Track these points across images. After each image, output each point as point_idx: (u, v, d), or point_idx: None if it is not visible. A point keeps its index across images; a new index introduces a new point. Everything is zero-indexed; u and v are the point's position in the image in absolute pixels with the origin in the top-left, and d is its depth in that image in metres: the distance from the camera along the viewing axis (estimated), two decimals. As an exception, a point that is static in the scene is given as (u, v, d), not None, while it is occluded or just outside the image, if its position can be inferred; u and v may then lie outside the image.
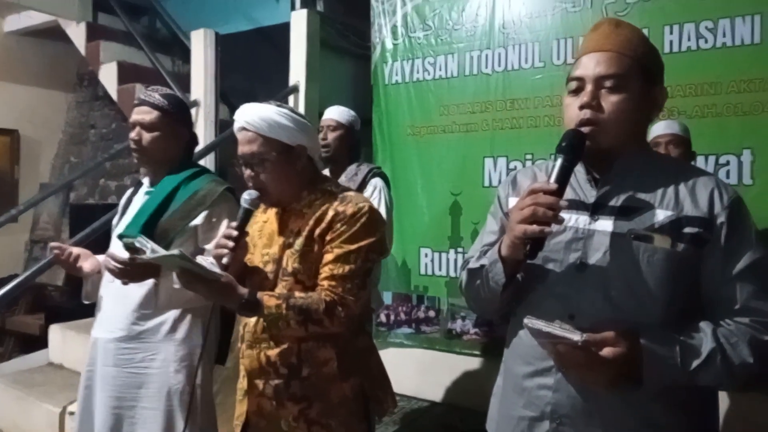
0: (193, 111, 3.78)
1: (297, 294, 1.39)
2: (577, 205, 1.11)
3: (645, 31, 2.88)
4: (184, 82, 3.95)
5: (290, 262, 1.43)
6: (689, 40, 2.82)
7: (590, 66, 1.07)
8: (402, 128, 3.68)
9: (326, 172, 2.63)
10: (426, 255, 3.58)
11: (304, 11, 3.56)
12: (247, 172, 1.44)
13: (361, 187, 2.50)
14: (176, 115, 1.81)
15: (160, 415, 1.69)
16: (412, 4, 3.62)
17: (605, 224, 1.08)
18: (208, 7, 5.13)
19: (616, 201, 1.09)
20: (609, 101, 1.06)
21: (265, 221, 1.55)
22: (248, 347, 1.50)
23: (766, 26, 2.67)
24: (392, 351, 3.73)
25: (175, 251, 1.30)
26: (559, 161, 1.04)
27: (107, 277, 1.73)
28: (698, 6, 2.80)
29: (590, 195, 1.11)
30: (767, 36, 2.67)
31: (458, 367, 3.49)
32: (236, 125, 1.45)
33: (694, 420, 1.09)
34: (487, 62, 3.39)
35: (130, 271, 1.59)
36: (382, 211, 2.50)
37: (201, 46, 3.71)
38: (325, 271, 1.40)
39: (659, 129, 2.36)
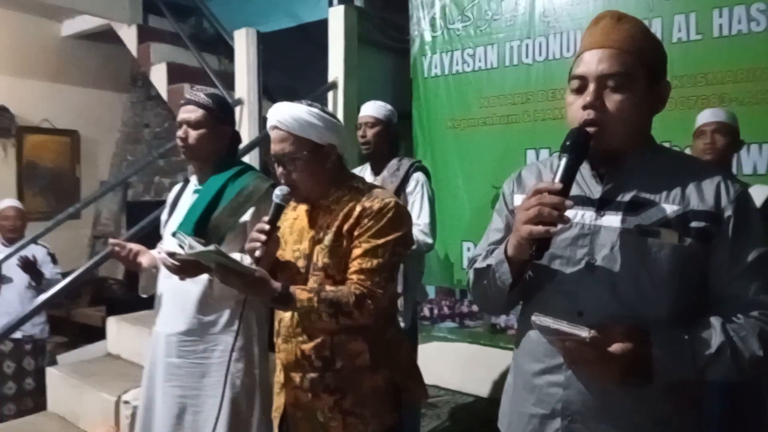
0: (237, 109, 3.89)
1: (328, 287, 1.43)
2: (582, 201, 1.10)
3: (693, 16, 2.79)
4: (230, 80, 4.05)
5: (320, 257, 1.48)
6: (740, 23, 2.69)
7: (592, 64, 1.06)
8: (442, 121, 3.67)
9: (368, 167, 2.66)
10: (468, 249, 3.57)
11: (341, 7, 3.58)
12: (279, 169, 1.49)
13: (404, 182, 2.51)
14: (220, 113, 1.88)
15: (225, 402, 1.75)
16: (450, -5, 3.59)
17: (612, 220, 1.07)
18: (251, 5, 5.22)
19: (623, 197, 1.08)
20: (613, 100, 1.04)
21: (295, 218, 1.60)
22: (284, 341, 1.55)
23: (826, 5, 2.52)
24: (435, 345, 3.75)
25: (210, 247, 1.35)
26: (563, 160, 1.03)
27: (164, 272, 1.81)
28: (750, -14, 2.66)
29: (596, 191, 1.10)
30: (827, 15, 2.52)
31: (502, 362, 3.47)
32: (269, 124, 1.50)
33: (704, 417, 1.08)
34: (527, 52, 3.33)
35: (185, 267, 1.65)
36: (426, 205, 2.51)
37: (244, 45, 3.80)
38: (354, 266, 1.44)
39: (704, 117, 2.27)
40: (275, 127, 1.48)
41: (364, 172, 2.67)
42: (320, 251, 1.48)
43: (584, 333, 0.95)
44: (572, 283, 1.08)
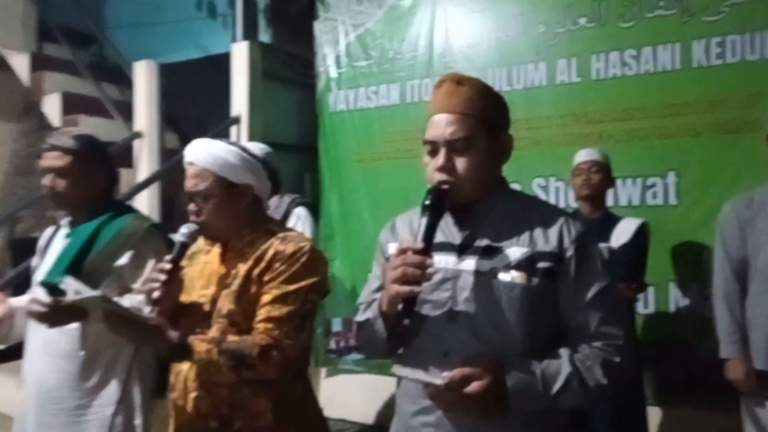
0: (136, 142, 3.76)
1: (230, 337, 1.35)
2: (446, 247, 1.18)
3: (574, 60, 3.03)
4: (131, 111, 3.93)
5: (225, 303, 1.40)
6: (614, 67, 2.95)
7: (440, 128, 1.15)
8: (348, 155, 3.72)
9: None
10: (374, 280, 3.59)
11: (245, 44, 3.59)
12: (191, 206, 1.44)
13: (285, 218, 2.52)
14: (90, 155, 1.78)
15: None
16: (354, 33, 3.69)
17: (470, 264, 1.15)
18: (156, 35, 5.11)
19: (480, 242, 1.17)
20: (460, 162, 1.15)
21: (206, 262, 1.52)
22: (179, 396, 1.45)
23: (686, 53, 2.81)
24: (343, 378, 3.72)
25: (97, 292, 1.28)
26: (424, 220, 1.10)
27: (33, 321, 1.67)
28: (622, 35, 2.93)
29: (457, 237, 1.18)
30: (687, 62, 2.81)
31: (409, 392, 3.49)
32: (185, 159, 1.46)
33: None
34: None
35: (53, 316, 1.51)
36: None
37: (144, 77, 3.70)
38: (261, 313, 1.36)
39: (581, 156, 2.46)
40: (191, 163, 1.44)
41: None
42: (226, 297, 1.41)
43: (438, 380, 1.01)
44: (438, 325, 1.15)
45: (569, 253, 1.13)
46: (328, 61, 3.77)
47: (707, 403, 2.65)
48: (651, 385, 2.78)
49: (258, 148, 2.61)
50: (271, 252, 1.40)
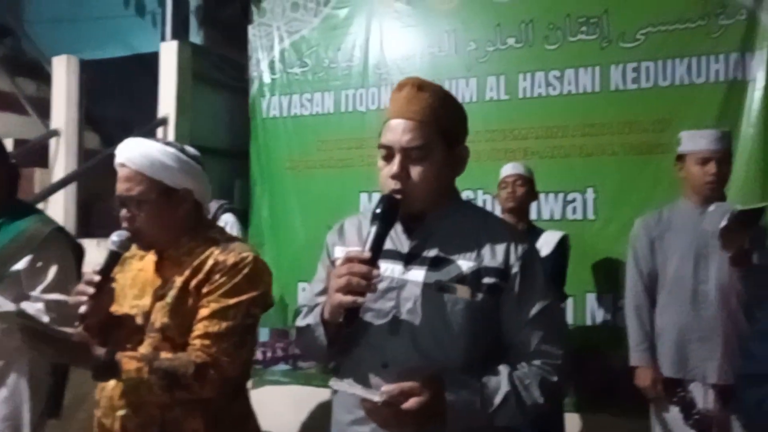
0: (53, 140, 3.55)
1: (163, 355, 1.25)
2: (393, 255, 1.15)
3: (502, 78, 3.14)
4: (49, 108, 3.71)
5: (159, 316, 1.31)
6: (540, 86, 3.08)
7: (397, 134, 1.12)
8: (280, 162, 3.67)
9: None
10: (304, 289, 3.55)
11: (174, 43, 3.48)
12: (123, 211, 1.33)
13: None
14: None
15: None
16: (289, 40, 3.66)
17: (417, 274, 1.13)
18: (80, 30, 4.86)
19: (428, 252, 1.15)
20: (416, 170, 1.12)
21: (140, 269, 1.41)
22: (104, 415, 1.34)
23: (605, 77, 2.98)
24: (268, 389, 3.64)
25: (10, 307, 1.17)
26: (374, 228, 1.06)
27: None
28: (547, 56, 3.07)
29: (405, 246, 1.16)
30: (605, 85, 2.98)
31: (336, 403, 3.46)
32: (116, 160, 1.35)
33: None
34: (362, 100, 3.49)
35: None
36: None
37: (63, 73, 3.52)
38: (198, 329, 1.27)
39: (507, 170, 2.55)
40: (123, 165, 1.32)
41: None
42: (160, 309, 1.31)
43: (376, 397, 0.99)
44: (379, 335, 1.12)
45: (514, 270, 1.12)
46: (262, 66, 3.72)
47: (621, 409, 2.79)
48: (569, 392, 2.90)
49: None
50: (210, 262, 1.31)
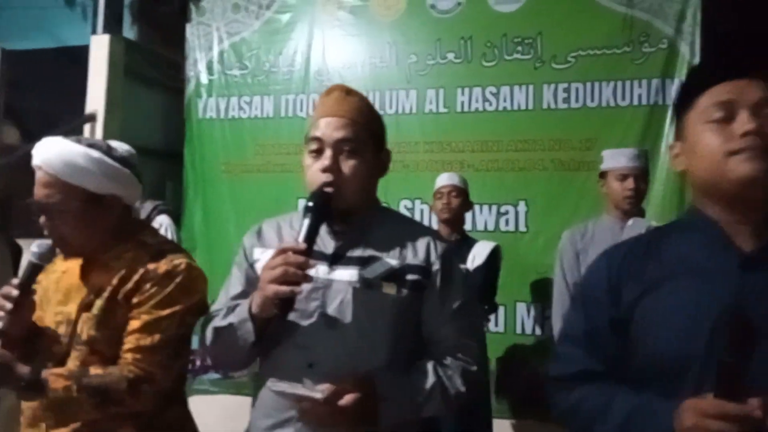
0: (-33, 133, 3.31)
1: (92, 371, 1.18)
2: (318, 256, 1.16)
3: (441, 91, 3.21)
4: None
5: (86, 328, 1.22)
6: (477, 101, 3.18)
7: (329, 129, 1.14)
8: (216, 165, 3.59)
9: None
10: (236, 296, 3.48)
11: (106, 37, 3.34)
12: (42, 219, 1.23)
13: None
14: None
15: None
16: (229, 41, 3.60)
17: (342, 274, 1.15)
18: (6, 19, 4.58)
19: (352, 252, 1.17)
20: (347, 165, 1.14)
21: (64, 272, 1.32)
22: (29, 425, 1.25)
23: (538, 95, 3.11)
24: (197, 398, 3.52)
25: None
26: (306, 221, 1.08)
27: None
28: (484, 73, 3.18)
29: (330, 246, 1.18)
30: (538, 103, 3.11)
31: (267, 412, 3.40)
32: (33, 161, 1.24)
33: None
34: (302, 106, 3.48)
35: None
36: None
37: (-20, 61, 3.29)
38: (130, 341, 1.20)
39: (442, 180, 2.60)
40: (39, 167, 1.22)
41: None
42: (87, 321, 1.22)
43: (317, 394, 1.00)
44: (305, 335, 1.12)
45: (435, 267, 1.17)
46: (199, 67, 3.63)
47: (548, 415, 2.89)
48: (498, 398, 2.98)
49: (118, 147, 2.42)
50: (140, 270, 1.23)
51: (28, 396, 1.18)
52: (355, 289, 1.13)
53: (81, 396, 1.14)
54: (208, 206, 3.57)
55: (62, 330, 1.25)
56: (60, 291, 1.29)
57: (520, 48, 3.13)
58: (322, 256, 1.16)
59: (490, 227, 3.12)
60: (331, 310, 1.13)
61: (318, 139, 1.15)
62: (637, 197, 2.31)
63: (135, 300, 1.22)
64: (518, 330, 3.07)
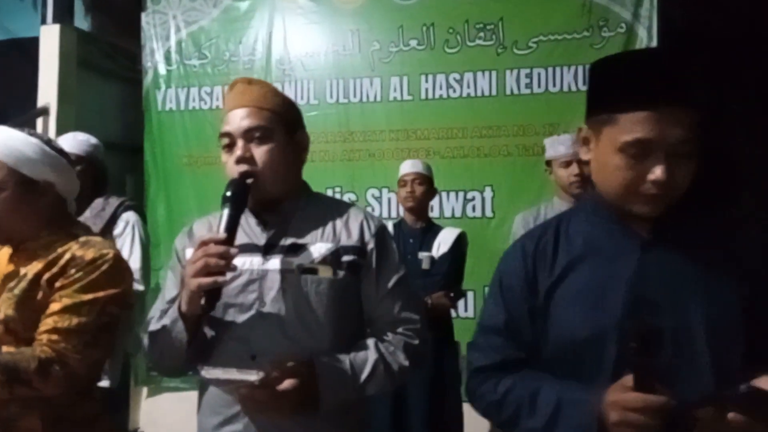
0: None
1: (4, 348, 1.20)
2: (250, 249, 1.16)
3: (405, 79, 3.20)
4: None
5: (3, 307, 1.23)
6: (441, 88, 3.18)
7: (236, 121, 1.15)
8: (177, 158, 3.51)
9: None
10: (203, 290, 3.42)
11: (56, 27, 3.21)
12: None
13: (111, 223, 2.28)
14: None
15: None
16: (186, 30, 3.51)
17: (276, 263, 1.14)
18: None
19: (285, 240, 1.17)
20: (260, 152, 1.14)
21: None
22: None
23: (501, 81, 3.13)
24: (166, 396, 3.48)
25: None
26: (226, 211, 1.08)
27: None
28: (447, 59, 3.17)
29: (261, 238, 1.17)
30: (501, 89, 3.13)
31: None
32: None
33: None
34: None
35: None
36: (137, 248, 2.31)
37: None
38: (47, 323, 1.21)
39: (405, 168, 2.59)
40: None
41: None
42: (6, 300, 1.24)
43: (253, 377, 0.98)
44: (245, 328, 1.12)
45: (370, 246, 1.18)
46: (157, 57, 3.53)
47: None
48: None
49: (83, 139, 2.34)
50: (67, 256, 1.25)
51: None
52: (290, 277, 1.13)
53: None
54: (171, 200, 3.49)
55: None
56: None
57: (482, 34, 3.13)
58: (254, 248, 1.16)
59: (457, 214, 3.13)
60: (269, 300, 1.12)
61: (227, 134, 1.16)
62: (583, 181, 2.34)
63: (58, 284, 1.23)
64: (487, 314, 3.10)
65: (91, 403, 1.35)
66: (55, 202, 1.33)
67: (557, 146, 2.38)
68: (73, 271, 1.24)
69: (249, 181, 1.12)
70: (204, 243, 1.03)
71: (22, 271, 1.27)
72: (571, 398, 0.91)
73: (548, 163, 2.44)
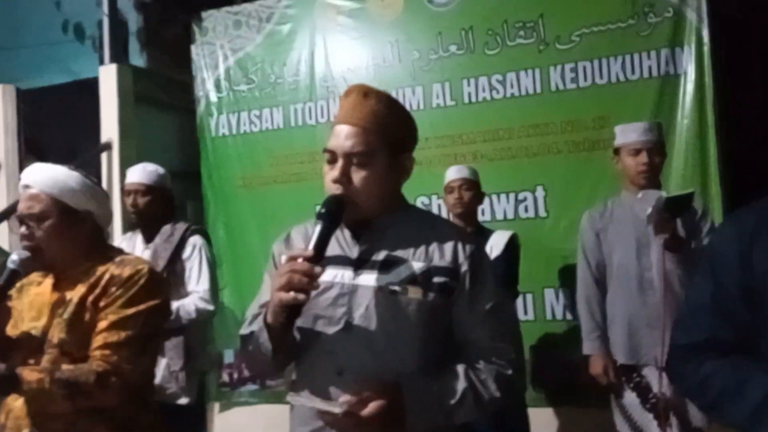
0: (-6, 173, 3.43)
1: (64, 366, 1.29)
2: (342, 261, 1.16)
3: (447, 84, 3.19)
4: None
5: (56, 332, 1.34)
6: (484, 91, 3.16)
7: (340, 140, 1.14)
8: (233, 180, 3.64)
9: (139, 235, 2.53)
10: (265, 307, 3.52)
11: (113, 66, 3.41)
12: (23, 229, 1.37)
13: (179, 248, 2.41)
14: None
15: None
16: (234, 57, 3.64)
17: (367, 279, 1.14)
18: (19, 59, 4.72)
19: (377, 256, 1.16)
20: (358, 176, 1.13)
21: (37, 293, 1.44)
22: None
23: (545, 78, 3.07)
24: (237, 410, 3.59)
25: None
26: (318, 227, 1.08)
27: None
28: (488, 61, 3.15)
29: (354, 251, 1.17)
30: (546, 86, 3.07)
31: (306, 419, 3.43)
32: (21, 183, 1.41)
33: None
34: (311, 114, 3.50)
35: None
36: (205, 270, 2.43)
37: (0, 103, 3.40)
38: (98, 340, 1.31)
39: (452, 174, 2.59)
40: (27, 186, 1.39)
41: (135, 239, 2.53)
42: (57, 325, 1.34)
43: (336, 408, 1.00)
44: (333, 342, 1.12)
45: (464, 268, 1.14)
46: (208, 86, 3.69)
47: (584, 401, 2.86)
48: (534, 388, 2.95)
49: (152, 169, 2.50)
50: (107, 276, 1.36)
51: (3, 389, 1.28)
52: (380, 295, 1.12)
53: (53, 388, 1.23)
54: (230, 222, 3.62)
55: (36, 342, 1.36)
56: (33, 309, 1.41)
57: (522, 32, 3.09)
58: (347, 261, 1.16)
59: (510, 216, 3.09)
60: (357, 316, 1.12)
61: (330, 151, 1.15)
62: (652, 171, 2.27)
63: (102, 303, 1.34)
64: (548, 316, 3.04)
65: (149, 414, 1.44)
66: (93, 231, 1.44)
67: (628, 133, 2.31)
68: (113, 289, 1.34)
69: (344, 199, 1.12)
70: (292, 258, 1.04)
71: (68, 296, 1.37)
72: None
73: (616, 151, 2.36)
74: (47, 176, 1.38)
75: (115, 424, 1.34)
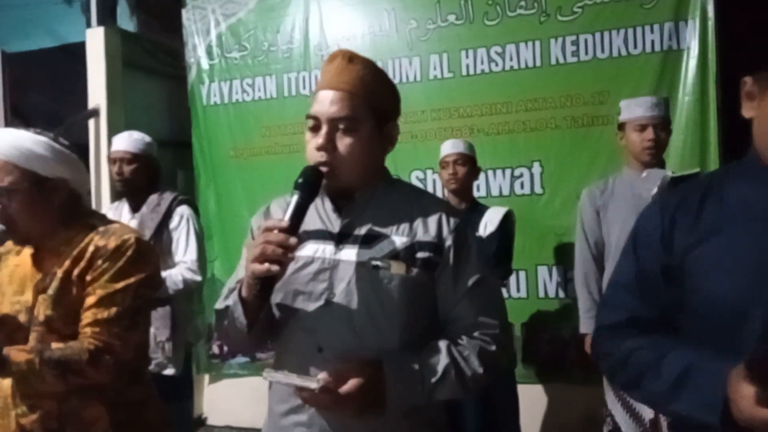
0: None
1: (53, 345, 1.24)
2: (323, 236, 1.12)
3: (445, 56, 3.11)
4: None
5: (42, 308, 1.28)
6: (482, 63, 3.08)
7: (325, 105, 1.08)
8: (224, 150, 3.57)
9: (125, 204, 2.48)
10: (256, 279, 3.48)
11: (101, 29, 3.31)
12: None
13: (166, 218, 2.36)
14: None
15: None
16: (226, 23, 3.54)
17: (349, 253, 1.10)
18: (3, 22, 4.58)
19: (359, 230, 1.12)
20: (343, 143, 1.08)
21: (17, 265, 1.37)
22: (0, 417, 1.30)
23: (545, 51, 2.99)
24: (227, 382, 3.59)
25: None
26: (294, 198, 1.03)
27: None
28: (488, 32, 3.06)
29: (336, 225, 1.13)
30: (546, 59, 2.99)
31: (296, 391, 3.43)
32: None
33: None
34: (305, 83, 3.41)
35: None
36: (192, 241, 2.38)
37: (-16, 66, 3.29)
38: (87, 317, 1.25)
39: (446, 149, 2.52)
40: None
41: (121, 209, 2.47)
42: (43, 302, 1.28)
43: (313, 384, 0.96)
44: (313, 319, 1.09)
45: (448, 243, 1.11)
46: (199, 52, 3.59)
47: (575, 378, 2.87)
48: (524, 364, 2.95)
49: (138, 137, 2.43)
50: (91, 249, 1.29)
51: None
52: (361, 270, 1.08)
53: (43, 369, 1.19)
54: (221, 192, 3.57)
55: (21, 318, 1.30)
56: (14, 282, 1.35)
57: (523, 3, 3.00)
58: (328, 235, 1.11)
59: (505, 192, 3.04)
60: (338, 291, 1.08)
61: (314, 116, 1.09)
62: (657, 147, 2.21)
63: (89, 277, 1.27)
64: (541, 294, 3.02)
65: (141, 387, 1.40)
66: (69, 198, 1.35)
67: (634, 108, 2.24)
68: (99, 262, 1.27)
69: (324, 169, 1.07)
70: (267, 229, 1.00)
71: (50, 271, 1.30)
72: (703, 367, 0.83)
73: (620, 127, 2.30)
74: (12, 144, 1.27)
75: (108, 400, 1.30)
